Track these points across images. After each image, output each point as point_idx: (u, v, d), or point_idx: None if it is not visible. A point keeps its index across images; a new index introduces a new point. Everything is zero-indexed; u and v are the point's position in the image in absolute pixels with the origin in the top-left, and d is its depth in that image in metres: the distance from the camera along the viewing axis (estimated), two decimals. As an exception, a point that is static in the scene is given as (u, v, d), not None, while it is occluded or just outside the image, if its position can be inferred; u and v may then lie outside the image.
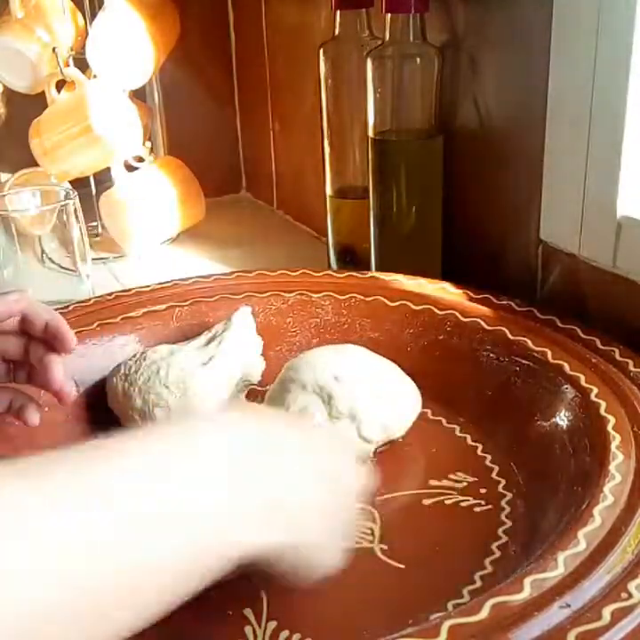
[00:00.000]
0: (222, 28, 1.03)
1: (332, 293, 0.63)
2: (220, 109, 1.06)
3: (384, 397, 0.50)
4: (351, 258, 0.76)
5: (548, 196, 0.59)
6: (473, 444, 0.52)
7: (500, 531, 0.44)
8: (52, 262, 0.73)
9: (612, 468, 0.41)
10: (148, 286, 0.65)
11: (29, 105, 0.88)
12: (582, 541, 0.36)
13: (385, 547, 0.44)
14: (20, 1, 0.86)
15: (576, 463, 0.45)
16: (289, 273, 0.67)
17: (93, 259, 0.80)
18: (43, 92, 0.87)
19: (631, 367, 0.49)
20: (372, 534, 0.45)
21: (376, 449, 0.51)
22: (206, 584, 0.30)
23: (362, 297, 0.62)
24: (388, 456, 0.51)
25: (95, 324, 0.60)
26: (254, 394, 0.59)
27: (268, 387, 0.57)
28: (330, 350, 0.54)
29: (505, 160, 0.64)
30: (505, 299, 0.59)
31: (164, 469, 0.30)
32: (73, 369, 0.52)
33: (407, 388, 0.53)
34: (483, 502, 0.47)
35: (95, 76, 0.85)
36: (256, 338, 0.58)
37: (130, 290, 0.65)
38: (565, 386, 0.49)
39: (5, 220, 0.70)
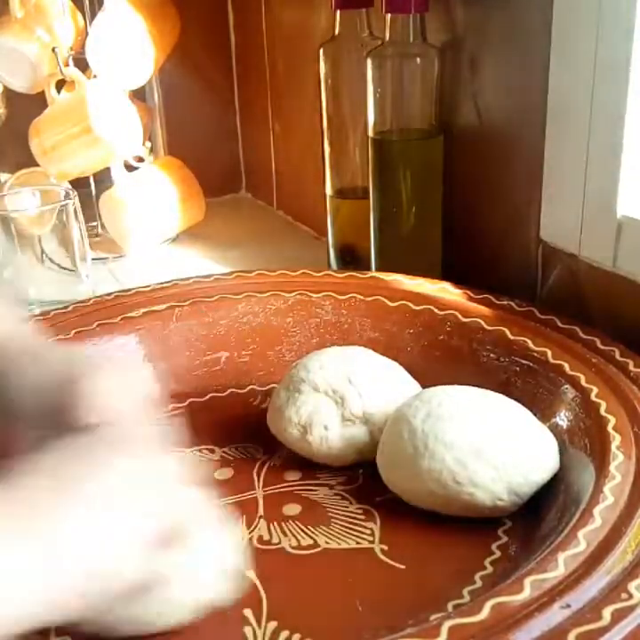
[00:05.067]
0: (222, 28, 1.03)
1: (331, 293, 0.63)
2: (220, 109, 1.06)
3: (396, 401, 0.50)
4: (351, 258, 0.76)
5: (548, 195, 0.59)
6: (473, 444, 0.52)
7: (500, 531, 0.44)
8: (52, 262, 0.73)
9: (612, 468, 0.41)
10: (148, 286, 0.65)
11: (29, 105, 0.88)
12: (582, 541, 0.36)
13: (385, 547, 0.44)
14: (19, 1, 0.85)
15: (576, 463, 0.45)
16: (289, 273, 0.67)
17: (93, 259, 0.80)
18: (42, 92, 0.87)
19: (631, 367, 0.49)
20: (372, 534, 0.45)
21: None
22: None
23: (362, 297, 0.62)
24: (388, 456, 0.51)
25: (95, 324, 0.60)
26: (254, 394, 0.59)
27: (268, 386, 0.57)
28: (341, 352, 0.54)
29: (505, 160, 0.64)
30: (505, 299, 0.59)
31: None
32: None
33: (415, 391, 0.52)
34: (483, 502, 0.47)
35: (95, 76, 0.85)
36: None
37: (130, 290, 0.65)
38: (565, 386, 0.49)
39: (5, 220, 0.70)
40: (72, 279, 0.73)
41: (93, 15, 0.84)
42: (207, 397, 0.59)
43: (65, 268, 0.73)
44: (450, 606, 0.39)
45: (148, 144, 0.95)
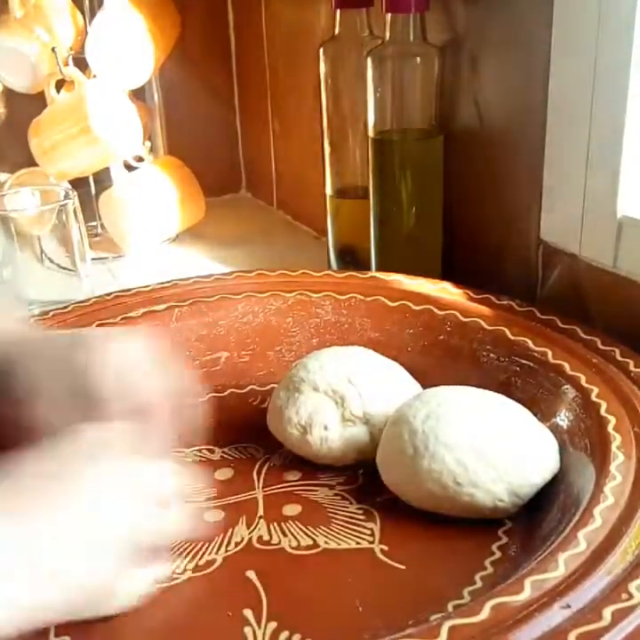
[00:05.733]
0: (222, 28, 1.03)
1: (331, 293, 0.63)
2: (220, 109, 1.07)
3: (397, 401, 0.50)
4: (351, 258, 0.76)
5: (548, 195, 0.59)
6: (473, 444, 0.52)
7: (500, 531, 0.44)
8: (52, 262, 0.73)
9: (612, 468, 0.41)
10: (148, 286, 0.65)
11: (29, 104, 0.88)
12: (582, 542, 0.36)
13: (385, 547, 0.44)
14: (19, 0, 0.86)
15: (576, 464, 0.45)
16: (289, 273, 0.66)
17: (93, 258, 0.80)
18: (42, 92, 0.87)
19: (632, 367, 0.49)
20: (372, 534, 0.45)
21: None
22: None
23: (362, 297, 0.62)
24: (388, 456, 0.51)
25: (94, 325, 0.60)
26: (254, 394, 0.59)
27: (268, 386, 0.57)
28: (341, 352, 0.54)
29: (505, 160, 0.64)
30: (505, 299, 0.59)
31: None
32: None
33: (415, 391, 0.52)
34: (483, 503, 0.47)
35: (95, 76, 0.85)
36: None
37: (129, 290, 0.65)
38: (566, 386, 0.49)
39: (5, 219, 0.70)
40: (72, 279, 0.73)
41: (93, 15, 0.84)
42: (207, 397, 0.59)
43: (64, 268, 0.73)
44: (450, 606, 0.39)
45: (148, 144, 0.95)
